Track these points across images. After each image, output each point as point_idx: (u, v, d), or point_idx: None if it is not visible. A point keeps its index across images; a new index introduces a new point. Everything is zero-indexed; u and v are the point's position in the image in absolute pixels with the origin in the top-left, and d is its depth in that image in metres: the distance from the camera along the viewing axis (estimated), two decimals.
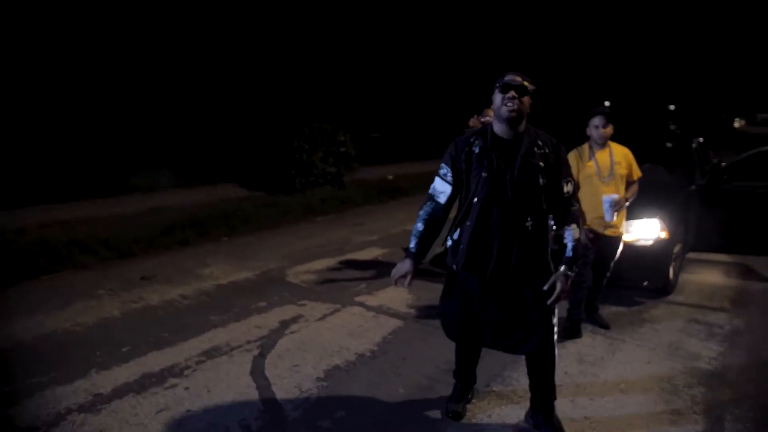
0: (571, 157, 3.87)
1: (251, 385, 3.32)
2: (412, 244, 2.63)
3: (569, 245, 2.52)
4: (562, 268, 2.50)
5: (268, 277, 5.49)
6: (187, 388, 3.26)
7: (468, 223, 2.50)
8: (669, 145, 5.86)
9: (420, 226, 2.63)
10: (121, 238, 6.43)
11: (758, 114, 55.64)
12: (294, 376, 3.44)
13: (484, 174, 2.45)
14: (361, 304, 4.74)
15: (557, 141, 2.55)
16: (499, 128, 2.50)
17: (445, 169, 2.61)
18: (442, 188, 2.62)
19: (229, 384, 3.32)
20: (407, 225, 7.87)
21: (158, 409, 3.03)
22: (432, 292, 5.05)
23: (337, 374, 3.47)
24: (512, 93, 2.38)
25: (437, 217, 2.63)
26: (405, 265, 2.59)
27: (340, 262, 6.03)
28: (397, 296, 4.96)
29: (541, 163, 2.44)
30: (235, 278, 5.44)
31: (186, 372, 3.47)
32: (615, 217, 3.80)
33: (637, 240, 4.54)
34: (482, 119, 4.98)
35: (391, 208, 9.61)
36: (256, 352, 3.78)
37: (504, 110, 2.41)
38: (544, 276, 2.52)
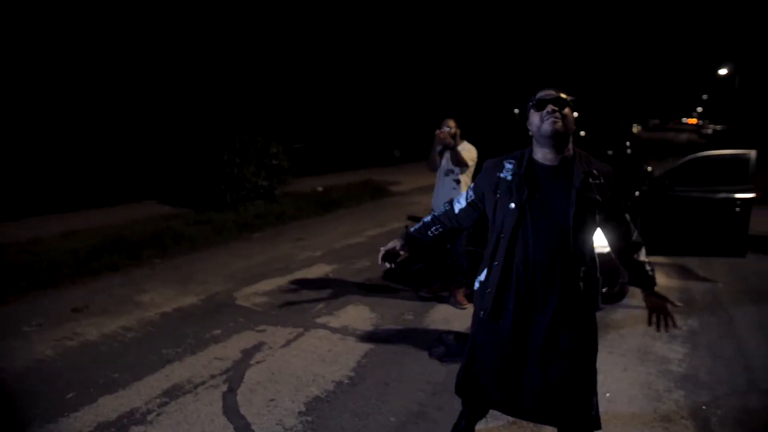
0: None
1: (228, 426, 3.01)
2: (413, 228, 2.55)
3: (648, 268, 2.27)
4: (655, 288, 2.26)
5: (216, 302, 5.10)
6: None
7: (496, 263, 2.14)
8: (610, 152, 6.10)
9: (428, 217, 2.53)
10: (41, 265, 5.76)
11: (650, 120, 60.47)
12: (273, 411, 3.16)
13: (512, 206, 2.09)
14: (324, 326, 4.50)
15: (610, 167, 2.19)
16: (541, 153, 2.11)
17: (472, 185, 2.38)
18: (461, 199, 2.40)
19: (202, 427, 2.98)
20: (349, 239, 7.70)
21: None
22: (394, 309, 4.92)
23: (319, 406, 3.23)
24: (551, 107, 2.04)
25: (442, 222, 2.46)
26: (393, 240, 2.55)
27: (291, 282, 5.73)
28: (358, 315, 4.76)
29: (598, 197, 2.07)
30: (179, 304, 5.01)
31: (149, 417, 3.09)
32: None
33: (595, 247, 4.63)
34: (443, 130, 4.90)
35: (327, 221, 9.36)
36: (224, 387, 3.45)
37: (546, 127, 2.03)
38: (589, 332, 2.15)
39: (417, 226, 2.52)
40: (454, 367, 3.63)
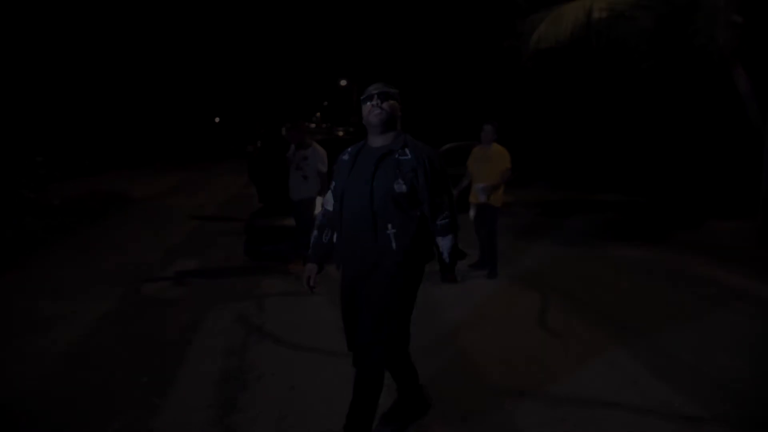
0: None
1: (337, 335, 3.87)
2: (311, 249, 2.84)
3: (445, 253, 2.62)
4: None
5: (138, 300, 5.13)
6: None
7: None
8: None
9: (315, 231, 2.82)
10: None
11: (285, 123, 66.40)
12: (337, 334, 4.09)
13: (343, 177, 2.57)
14: (273, 294, 5.26)
15: (433, 152, 2.53)
16: (371, 139, 2.57)
17: (333, 183, 2.73)
18: (329, 197, 2.72)
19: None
20: (172, 239, 7.95)
21: None
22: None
23: None
24: (376, 100, 2.46)
25: (328, 226, 2.74)
26: (308, 268, 2.80)
27: (179, 274, 5.96)
28: (284, 282, 5.64)
29: (398, 170, 2.42)
30: (95, 315, 4.71)
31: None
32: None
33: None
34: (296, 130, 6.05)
35: (113, 229, 8.79)
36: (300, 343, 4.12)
37: (370, 118, 2.47)
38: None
39: (312, 242, 2.77)
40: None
